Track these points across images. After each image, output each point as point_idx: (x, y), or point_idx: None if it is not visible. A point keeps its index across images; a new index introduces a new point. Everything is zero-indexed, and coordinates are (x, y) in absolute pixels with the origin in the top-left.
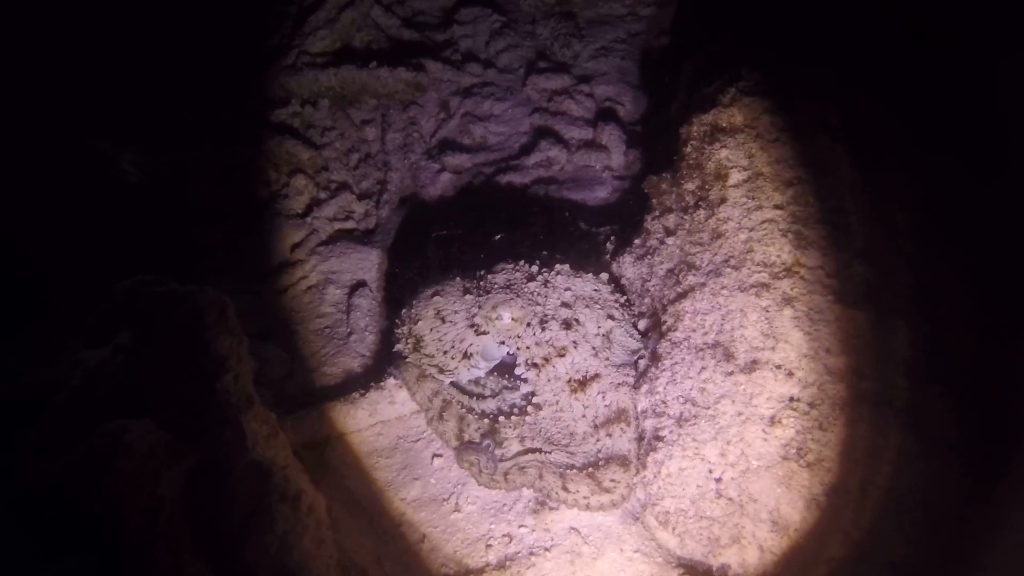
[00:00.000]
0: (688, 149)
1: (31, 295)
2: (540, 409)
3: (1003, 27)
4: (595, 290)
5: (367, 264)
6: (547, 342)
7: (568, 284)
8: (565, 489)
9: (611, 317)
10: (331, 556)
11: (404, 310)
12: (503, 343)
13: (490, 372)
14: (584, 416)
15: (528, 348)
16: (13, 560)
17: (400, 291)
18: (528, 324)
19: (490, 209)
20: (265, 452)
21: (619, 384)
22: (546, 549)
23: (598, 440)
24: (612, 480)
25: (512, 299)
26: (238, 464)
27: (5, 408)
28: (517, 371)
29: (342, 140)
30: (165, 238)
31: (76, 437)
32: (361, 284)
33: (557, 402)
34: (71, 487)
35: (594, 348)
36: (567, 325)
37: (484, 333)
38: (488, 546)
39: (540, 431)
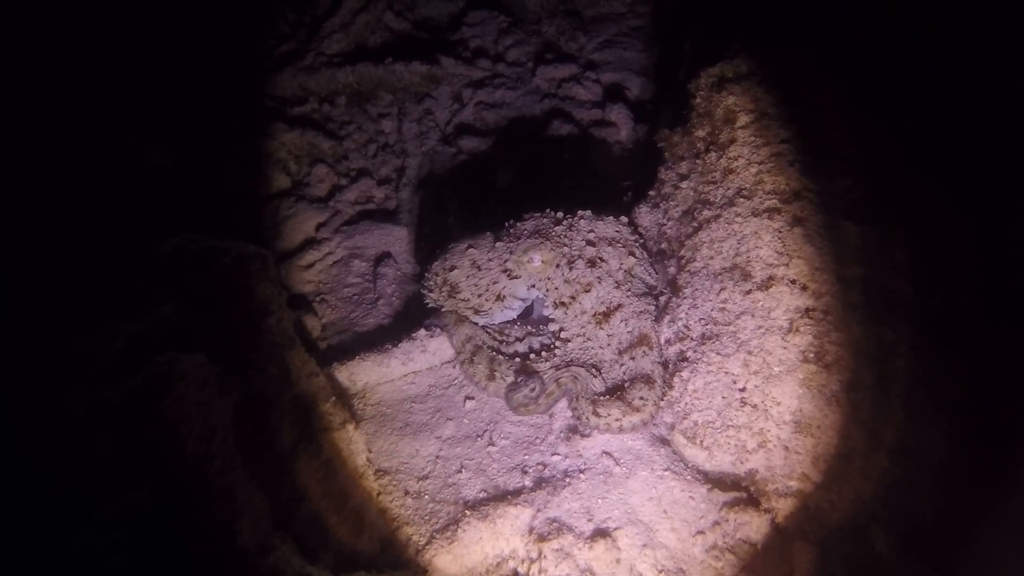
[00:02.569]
0: (697, 100)
1: (70, 276)
2: (568, 342)
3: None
4: (616, 231)
5: (390, 239)
6: (574, 280)
7: (591, 227)
8: (596, 414)
9: (632, 255)
10: (371, 487)
11: (436, 262)
12: (533, 286)
13: (516, 320)
14: (609, 345)
15: (556, 288)
16: (71, 492)
17: (424, 257)
18: (557, 266)
19: (505, 185)
20: (308, 388)
21: (640, 312)
22: (580, 471)
23: (622, 364)
24: (641, 398)
25: (542, 243)
26: (284, 396)
27: (53, 370)
28: (546, 311)
29: (360, 132)
30: (197, 221)
31: (133, 371)
32: (386, 255)
33: (584, 333)
34: (131, 412)
35: (617, 282)
36: (592, 263)
37: (516, 277)
38: (524, 472)
39: (571, 362)
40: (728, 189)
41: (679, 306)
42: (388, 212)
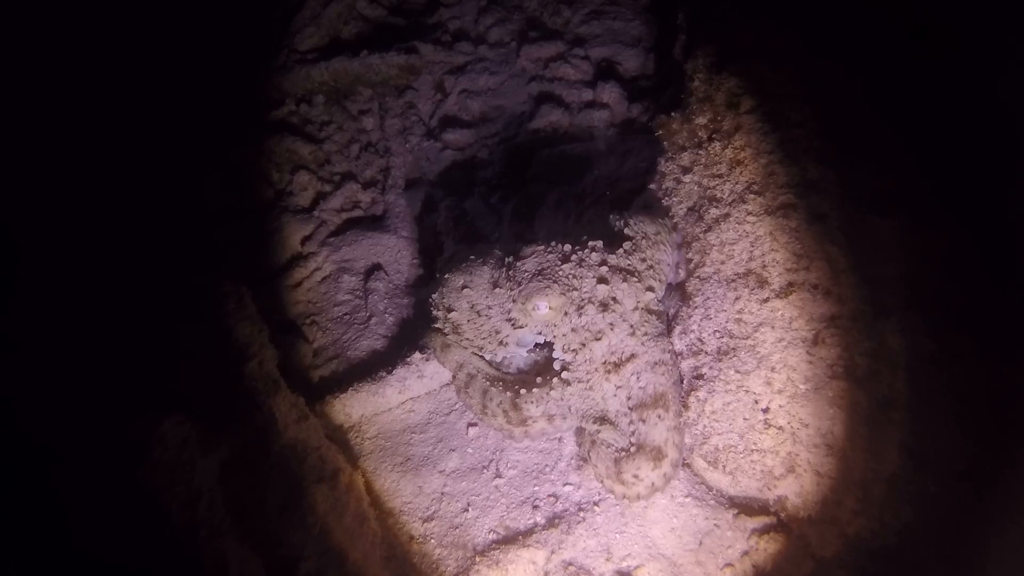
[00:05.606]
0: (696, 83)
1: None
2: (568, 385)
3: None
4: (629, 264)
5: (379, 248)
6: (583, 327)
7: (603, 258)
8: (587, 457)
9: (650, 289)
10: (375, 533)
11: (435, 294)
12: (540, 333)
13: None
14: (616, 396)
15: (564, 335)
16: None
17: (422, 262)
18: (565, 313)
19: (497, 178)
20: (297, 434)
21: (656, 363)
22: (595, 503)
23: (631, 423)
24: (634, 475)
25: (548, 287)
26: (272, 448)
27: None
28: (554, 354)
29: (341, 133)
30: (183, 243)
31: (107, 438)
32: (376, 268)
33: (588, 381)
34: (109, 485)
35: (631, 326)
36: (604, 307)
37: (522, 327)
38: (535, 507)
39: (570, 408)
40: (736, 184)
41: (690, 316)
42: (375, 218)
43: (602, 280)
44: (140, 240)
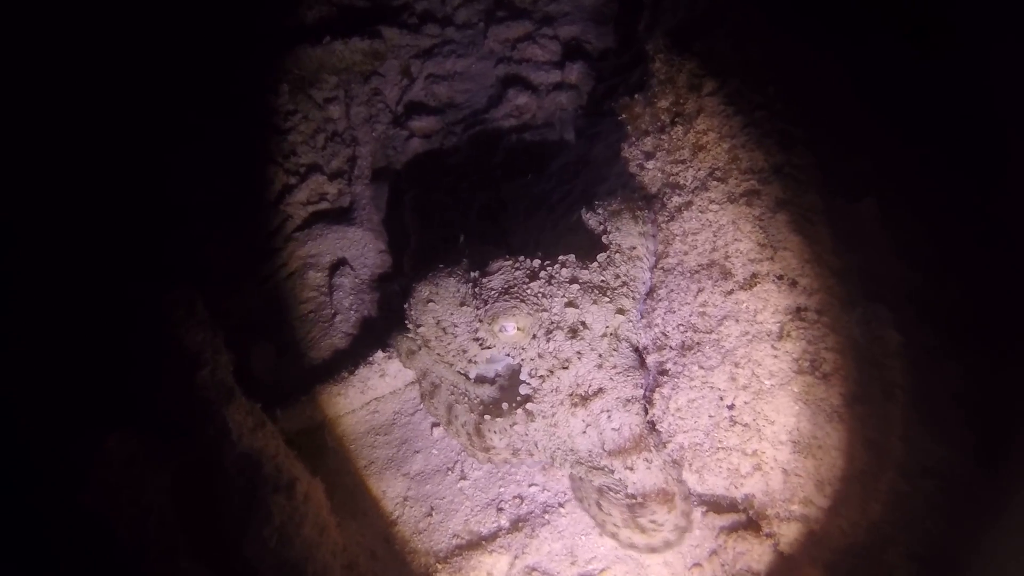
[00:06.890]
0: (658, 64)
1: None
2: (532, 420)
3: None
4: (602, 280)
5: (345, 242)
6: (551, 353)
7: (573, 275)
8: (599, 504)
9: (621, 311)
10: (335, 543)
11: (406, 305)
12: (508, 354)
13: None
14: (585, 433)
15: (532, 360)
16: None
17: (386, 262)
18: (533, 336)
19: (463, 167)
20: (253, 443)
21: (627, 401)
22: (560, 505)
23: (615, 471)
24: (651, 520)
25: (515, 307)
26: (226, 458)
27: None
28: (522, 376)
29: (306, 122)
30: (147, 245)
31: (52, 457)
32: (342, 263)
33: (554, 414)
34: (53, 509)
35: (600, 355)
36: (572, 332)
37: (489, 347)
38: (499, 510)
39: (536, 443)
40: (699, 170)
41: (654, 309)
42: (342, 210)
43: (571, 303)
44: (102, 244)
